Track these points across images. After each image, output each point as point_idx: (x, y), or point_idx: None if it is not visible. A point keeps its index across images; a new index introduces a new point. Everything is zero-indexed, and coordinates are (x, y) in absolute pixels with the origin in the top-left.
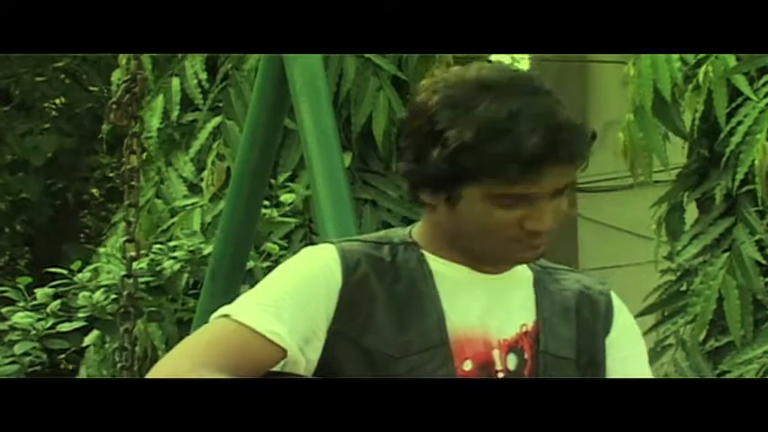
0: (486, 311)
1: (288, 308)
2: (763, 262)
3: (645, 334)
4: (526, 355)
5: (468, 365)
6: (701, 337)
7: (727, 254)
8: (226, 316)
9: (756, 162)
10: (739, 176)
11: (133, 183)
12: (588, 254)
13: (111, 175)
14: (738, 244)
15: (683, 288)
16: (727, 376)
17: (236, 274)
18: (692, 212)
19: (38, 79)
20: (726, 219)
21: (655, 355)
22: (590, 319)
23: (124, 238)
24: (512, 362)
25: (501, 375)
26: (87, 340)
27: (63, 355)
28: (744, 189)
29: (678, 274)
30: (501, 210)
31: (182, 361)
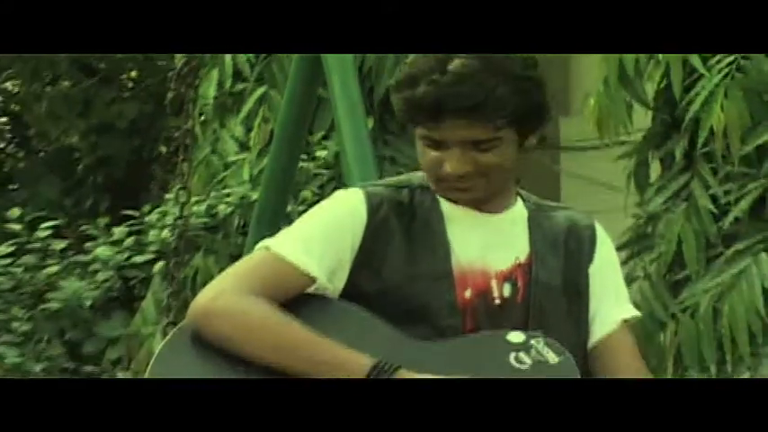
0: (486, 247)
1: (318, 242)
2: (715, 211)
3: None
4: (519, 284)
5: (468, 293)
6: (664, 271)
7: (685, 203)
8: (266, 248)
9: (715, 128)
10: (701, 140)
11: (187, 141)
12: (570, 202)
13: (176, 135)
14: (695, 195)
15: (650, 231)
16: (685, 304)
17: (278, 217)
18: (656, 169)
19: (117, 56)
20: (685, 174)
21: (626, 284)
22: (575, 251)
23: (178, 186)
24: (507, 290)
25: (497, 302)
26: (156, 270)
27: (136, 281)
28: (701, 150)
29: (645, 219)
30: (427, 150)
31: (227, 281)
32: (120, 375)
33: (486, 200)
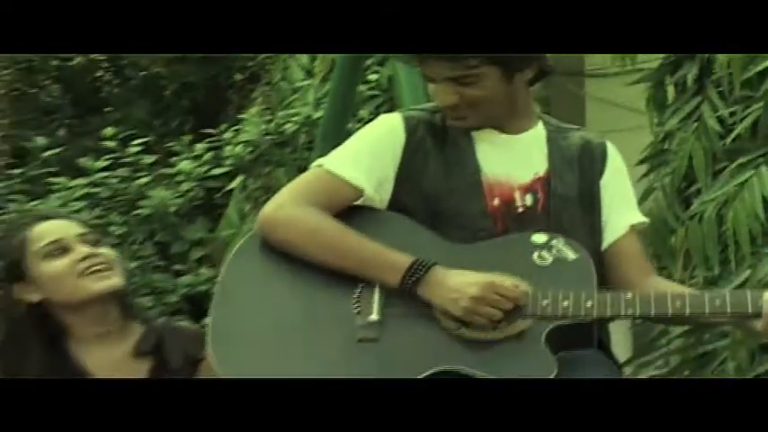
0: (509, 163)
1: (365, 157)
2: (721, 130)
3: (638, 179)
4: (539, 195)
5: (496, 201)
6: (677, 184)
7: (696, 123)
8: (319, 166)
9: (720, 58)
10: (714, 70)
11: (260, 69)
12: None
13: (249, 64)
14: (704, 117)
15: (665, 148)
16: (693, 212)
17: (339, 134)
18: (671, 93)
19: None
20: (696, 98)
21: (644, 195)
22: (588, 166)
23: (252, 108)
24: (528, 200)
25: (520, 210)
26: (233, 182)
27: (219, 195)
28: (710, 78)
29: (662, 137)
30: (428, 84)
31: (287, 195)
32: (204, 271)
33: (501, 123)
